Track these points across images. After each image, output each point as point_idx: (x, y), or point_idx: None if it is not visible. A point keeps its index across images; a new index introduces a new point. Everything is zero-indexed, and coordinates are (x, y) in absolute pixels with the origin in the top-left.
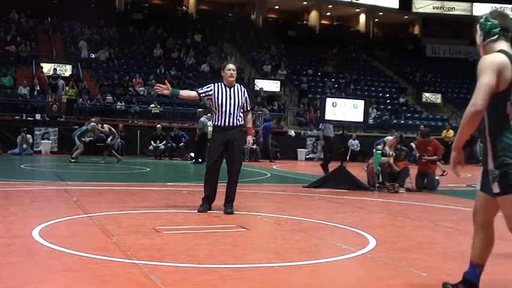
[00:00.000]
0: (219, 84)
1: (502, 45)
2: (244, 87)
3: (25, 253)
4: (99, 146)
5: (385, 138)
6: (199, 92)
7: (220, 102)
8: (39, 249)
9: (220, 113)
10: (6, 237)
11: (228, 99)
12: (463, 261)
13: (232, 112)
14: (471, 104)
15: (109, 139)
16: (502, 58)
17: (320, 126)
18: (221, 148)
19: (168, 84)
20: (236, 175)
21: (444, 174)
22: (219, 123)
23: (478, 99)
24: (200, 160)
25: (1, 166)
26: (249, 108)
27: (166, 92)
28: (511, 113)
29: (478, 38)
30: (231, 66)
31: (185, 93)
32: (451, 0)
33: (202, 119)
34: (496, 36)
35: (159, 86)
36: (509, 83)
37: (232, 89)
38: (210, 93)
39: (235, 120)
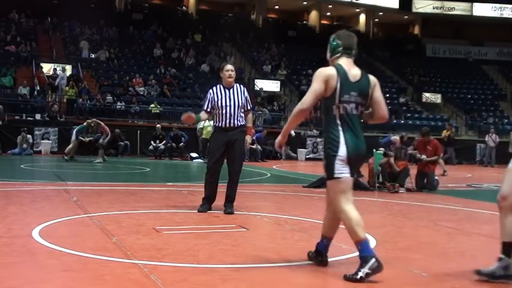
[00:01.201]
0: (217, 86)
1: (342, 61)
2: (244, 86)
3: (25, 253)
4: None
5: (392, 137)
6: (206, 109)
7: (220, 104)
8: (39, 249)
9: (220, 114)
10: (6, 237)
11: (227, 100)
12: (463, 261)
13: (232, 113)
14: (300, 103)
15: (101, 139)
16: (331, 71)
17: None
18: (222, 148)
19: (191, 113)
20: (237, 175)
21: (445, 174)
22: (219, 125)
23: (306, 100)
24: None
25: (1, 166)
26: (249, 108)
27: (192, 120)
28: (337, 114)
29: (327, 54)
30: (229, 66)
31: (203, 116)
32: (451, 0)
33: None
34: (339, 54)
35: (187, 117)
36: (334, 90)
37: (231, 90)
38: (211, 100)
39: (235, 121)
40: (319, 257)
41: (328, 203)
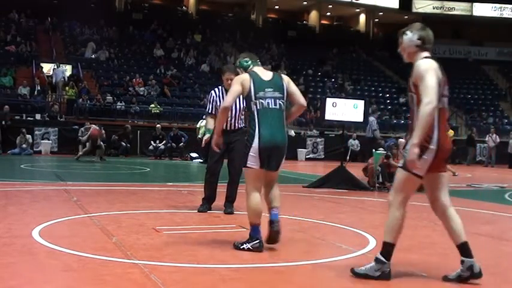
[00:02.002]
0: (219, 88)
1: (254, 69)
2: None
3: (25, 253)
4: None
5: (399, 140)
6: (211, 112)
7: (220, 107)
8: (39, 249)
9: None
10: (6, 237)
11: None
12: None
13: (233, 116)
14: (224, 102)
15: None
16: (245, 75)
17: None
18: (222, 149)
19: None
20: (237, 176)
21: (455, 174)
22: None
23: (228, 100)
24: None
25: (1, 166)
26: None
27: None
28: (255, 109)
29: (240, 72)
30: (227, 75)
31: (211, 123)
32: (451, 0)
33: (204, 121)
34: (251, 66)
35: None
36: (249, 89)
37: None
38: (213, 102)
39: (236, 123)
40: (271, 225)
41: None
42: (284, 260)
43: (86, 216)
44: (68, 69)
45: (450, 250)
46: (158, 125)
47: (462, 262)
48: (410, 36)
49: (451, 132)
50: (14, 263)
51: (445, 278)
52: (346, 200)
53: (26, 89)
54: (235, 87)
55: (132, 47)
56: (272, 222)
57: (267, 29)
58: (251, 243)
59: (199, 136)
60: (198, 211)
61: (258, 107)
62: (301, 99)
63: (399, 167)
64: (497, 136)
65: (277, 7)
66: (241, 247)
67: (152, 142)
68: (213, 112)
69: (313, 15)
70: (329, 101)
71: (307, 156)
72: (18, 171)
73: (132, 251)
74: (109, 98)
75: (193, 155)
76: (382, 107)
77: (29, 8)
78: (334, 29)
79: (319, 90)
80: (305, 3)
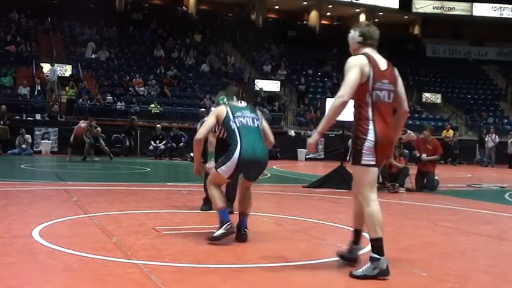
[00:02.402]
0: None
1: (230, 103)
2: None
3: (25, 253)
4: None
5: (404, 135)
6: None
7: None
8: (39, 249)
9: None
10: (6, 237)
11: None
12: (463, 261)
13: None
14: (197, 134)
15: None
16: (221, 107)
17: None
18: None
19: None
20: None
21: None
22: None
23: (201, 131)
24: (202, 161)
25: (1, 166)
26: None
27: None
28: (235, 127)
29: (221, 101)
30: None
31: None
32: (451, 0)
33: (205, 119)
34: (224, 100)
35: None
36: (226, 113)
37: None
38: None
39: None
40: (241, 231)
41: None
42: (284, 260)
43: (86, 216)
44: (68, 69)
45: (450, 250)
46: (158, 125)
47: (351, 248)
48: (352, 34)
49: (450, 133)
50: (14, 263)
51: (340, 253)
52: (346, 200)
53: (26, 89)
54: (210, 120)
55: (132, 47)
56: (240, 229)
57: (267, 29)
58: (223, 228)
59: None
60: (201, 209)
61: (238, 124)
62: (271, 137)
63: (352, 164)
64: (496, 136)
65: (277, 7)
66: (215, 235)
67: (152, 142)
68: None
69: (313, 15)
70: (329, 101)
71: (307, 156)
72: (18, 171)
73: (132, 251)
74: (109, 98)
75: (191, 154)
76: None
77: (29, 8)
78: (334, 29)
79: (319, 90)
80: (305, 3)
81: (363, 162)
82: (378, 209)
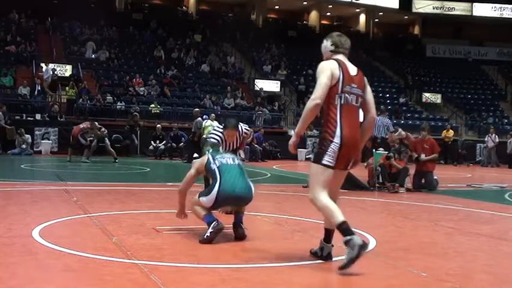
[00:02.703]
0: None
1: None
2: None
3: (25, 253)
4: (100, 146)
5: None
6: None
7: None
8: (39, 249)
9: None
10: (6, 237)
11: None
12: (463, 261)
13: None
14: (182, 182)
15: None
16: (203, 157)
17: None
18: None
19: None
20: None
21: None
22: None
23: (185, 180)
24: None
25: (1, 166)
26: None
27: None
28: (215, 168)
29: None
30: (231, 133)
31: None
32: (451, 0)
33: (199, 119)
34: (210, 141)
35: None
36: (207, 161)
37: None
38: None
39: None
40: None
41: None
42: (284, 260)
43: (86, 216)
44: (68, 69)
45: (450, 250)
46: (159, 125)
47: (322, 246)
48: (325, 43)
49: (450, 133)
50: (14, 263)
51: (312, 251)
52: (346, 200)
53: (26, 89)
54: (191, 171)
55: (132, 47)
56: (237, 225)
57: (267, 29)
58: (211, 227)
59: (205, 136)
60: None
61: (218, 164)
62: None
63: (312, 162)
64: (496, 136)
65: (277, 7)
66: (205, 237)
67: (152, 142)
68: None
69: (313, 15)
70: None
71: (307, 156)
72: (18, 171)
73: (132, 251)
74: (109, 98)
75: (194, 155)
76: (382, 107)
77: (29, 8)
78: (334, 29)
79: None
80: (305, 3)
81: (323, 162)
82: (327, 199)
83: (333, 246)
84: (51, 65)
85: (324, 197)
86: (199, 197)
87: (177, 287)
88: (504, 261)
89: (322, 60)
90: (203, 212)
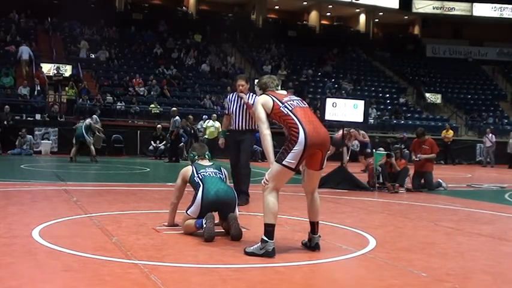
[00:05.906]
0: (233, 93)
1: (199, 161)
2: (255, 96)
3: (25, 253)
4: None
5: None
6: (227, 113)
7: (232, 110)
8: (39, 249)
9: (232, 117)
10: (6, 237)
11: (238, 107)
12: (463, 261)
13: (241, 118)
14: (172, 195)
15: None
16: (187, 167)
17: None
18: (235, 145)
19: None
20: (245, 169)
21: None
22: (232, 127)
23: (175, 192)
24: (174, 159)
25: (1, 166)
26: None
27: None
28: (199, 181)
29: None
30: (239, 81)
31: (226, 122)
32: (451, 0)
33: (177, 118)
34: (195, 160)
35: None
36: (191, 175)
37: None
38: (226, 105)
39: (243, 124)
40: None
41: None
42: (284, 260)
43: (86, 216)
44: (68, 69)
45: (450, 250)
46: (159, 125)
47: (310, 237)
48: (257, 89)
49: (450, 133)
50: (14, 263)
51: (303, 242)
52: (346, 200)
53: (26, 89)
54: (177, 181)
55: (132, 47)
56: (230, 220)
57: (267, 29)
58: (204, 223)
59: (206, 136)
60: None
61: (201, 177)
62: None
63: (275, 160)
64: (493, 136)
65: (277, 7)
66: (205, 236)
67: (152, 142)
68: (227, 113)
69: (313, 15)
70: (329, 101)
71: None
72: (18, 171)
73: (132, 251)
74: (109, 98)
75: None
76: (382, 107)
77: (29, 8)
78: (334, 29)
79: (319, 90)
80: (305, 3)
81: (284, 162)
82: (274, 201)
83: (320, 236)
84: (25, 47)
85: (273, 196)
86: (186, 211)
87: (177, 287)
88: (504, 261)
89: (322, 60)
90: (192, 222)
